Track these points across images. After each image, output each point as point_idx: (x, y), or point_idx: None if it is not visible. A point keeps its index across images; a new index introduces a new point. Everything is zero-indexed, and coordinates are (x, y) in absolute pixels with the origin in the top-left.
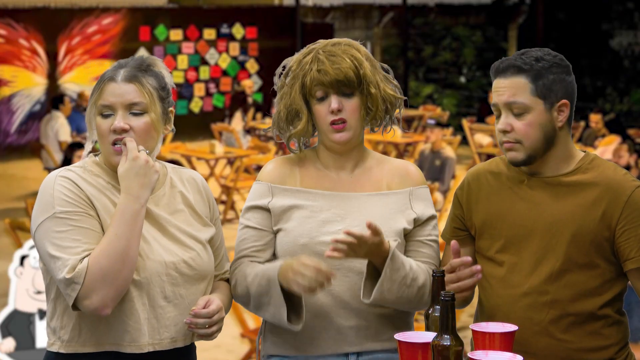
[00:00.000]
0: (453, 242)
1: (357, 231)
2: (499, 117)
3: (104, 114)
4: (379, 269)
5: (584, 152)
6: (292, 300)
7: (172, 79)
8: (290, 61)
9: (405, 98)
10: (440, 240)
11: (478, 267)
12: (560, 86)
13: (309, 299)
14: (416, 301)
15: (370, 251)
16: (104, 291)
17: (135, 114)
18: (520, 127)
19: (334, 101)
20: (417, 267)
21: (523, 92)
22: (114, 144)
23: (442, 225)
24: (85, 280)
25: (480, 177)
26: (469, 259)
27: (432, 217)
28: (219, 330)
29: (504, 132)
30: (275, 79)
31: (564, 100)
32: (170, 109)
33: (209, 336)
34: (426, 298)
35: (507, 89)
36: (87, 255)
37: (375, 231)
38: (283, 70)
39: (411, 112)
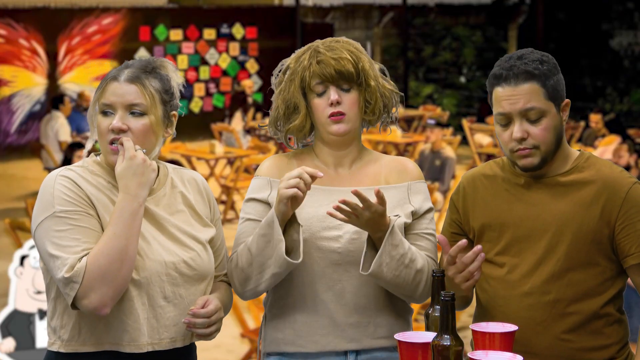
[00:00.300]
0: (440, 237)
1: (364, 195)
2: (506, 125)
3: (105, 113)
4: (377, 245)
5: (579, 150)
6: (291, 246)
7: (181, 81)
8: (287, 60)
9: (402, 94)
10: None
11: (479, 246)
12: (562, 86)
13: (309, 293)
14: (413, 286)
15: (372, 220)
16: (103, 290)
17: (134, 115)
18: (537, 132)
19: (333, 93)
20: (416, 251)
21: (537, 98)
22: (112, 143)
23: (440, 224)
24: (84, 279)
25: (475, 181)
26: (465, 241)
27: (429, 211)
28: (218, 330)
29: (521, 140)
30: (273, 79)
31: (567, 100)
32: (173, 112)
33: (208, 336)
34: (422, 287)
35: (521, 96)
36: (86, 255)
37: (381, 200)
38: (280, 69)
39: (411, 112)
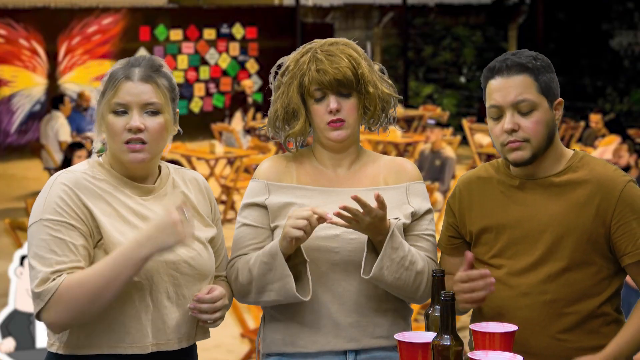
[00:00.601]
0: (468, 254)
1: (364, 200)
2: (497, 118)
3: (117, 113)
4: (377, 248)
5: (574, 150)
6: (295, 274)
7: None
8: (286, 60)
9: (401, 97)
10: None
11: (492, 279)
12: (555, 84)
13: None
14: (414, 288)
15: (372, 224)
16: (62, 315)
17: (150, 114)
18: (528, 125)
19: (332, 101)
20: (416, 252)
21: (530, 90)
22: (128, 142)
23: (440, 224)
24: (51, 298)
25: (471, 184)
26: (488, 272)
27: (428, 212)
28: (222, 318)
29: (511, 131)
30: (271, 78)
31: (560, 99)
32: (177, 110)
33: (213, 323)
34: (423, 289)
35: (513, 87)
36: (57, 271)
37: (381, 204)
38: (279, 69)
39: (411, 112)
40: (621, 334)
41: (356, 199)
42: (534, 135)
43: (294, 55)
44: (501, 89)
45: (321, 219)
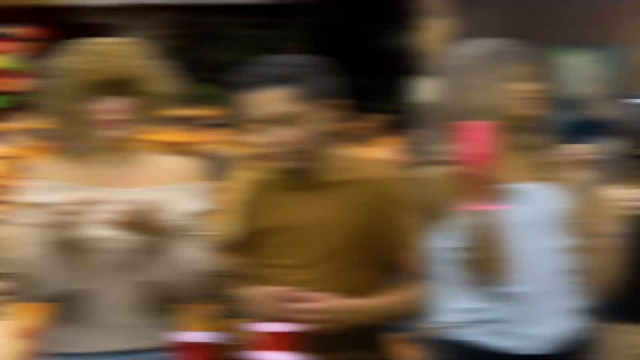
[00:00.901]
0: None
1: (137, 202)
2: (262, 130)
3: None
4: (152, 250)
5: (346, 150)
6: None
7: None
8: (58, 62)
9: (180, 96)
10: None
11: (308, 308)
12: (321, 87)
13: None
14: (191, 289)
15: (145, 226)
16: None
17: None
18: (290, 136)
19: (106, 101)
20: (193, 253)
21: (287, 101)
22: None
23: (218, 225)
24: None
25: (248, 186)
26: (315, 299)
27: (205, 211)
28: None
29: (275, 144)
30: (42, 81)
31: (332, 101)
32: None
33: None
34: (201, 289)
35: (269, 100)
36: None
37: (153, 207)
38: (50, 71)
39: (191, 112)
40: (373, 299)
41: (128, 202)
42: (298, 144)
43: (66, 56)
44: (258, 103)
45: (90, 204)
